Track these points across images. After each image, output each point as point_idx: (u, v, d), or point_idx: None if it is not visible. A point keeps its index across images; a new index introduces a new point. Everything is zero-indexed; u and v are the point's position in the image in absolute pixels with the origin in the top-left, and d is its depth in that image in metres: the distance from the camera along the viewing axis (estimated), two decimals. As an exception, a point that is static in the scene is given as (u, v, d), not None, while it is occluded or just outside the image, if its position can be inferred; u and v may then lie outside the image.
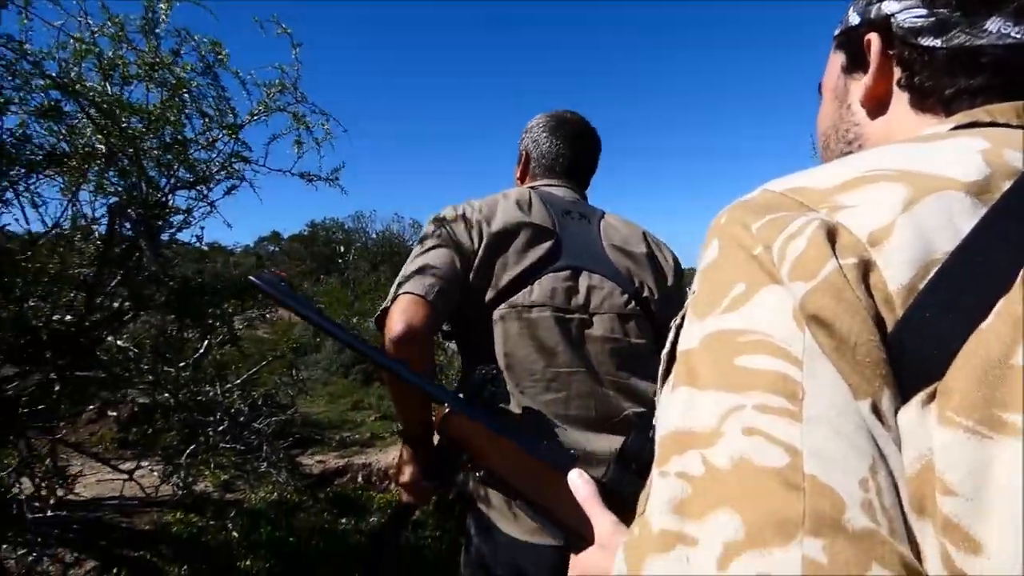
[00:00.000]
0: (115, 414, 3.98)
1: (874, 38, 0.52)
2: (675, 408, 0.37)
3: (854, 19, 0.55)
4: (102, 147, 1.75)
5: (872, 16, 0.53)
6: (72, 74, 1.59)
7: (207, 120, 2.03)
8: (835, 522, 0.29)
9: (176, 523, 2.93)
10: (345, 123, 2.10)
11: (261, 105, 2.04)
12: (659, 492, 0.35)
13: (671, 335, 0.45)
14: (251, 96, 2.04)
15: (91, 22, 1.64)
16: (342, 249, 11.94)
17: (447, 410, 0.76)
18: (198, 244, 2.35)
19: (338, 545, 2.91)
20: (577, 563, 0.61)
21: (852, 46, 0.56)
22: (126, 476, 2.65)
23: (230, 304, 2.43)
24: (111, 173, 1.87)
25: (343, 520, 3.24)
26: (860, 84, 0.55)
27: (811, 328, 0.34)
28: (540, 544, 1.13)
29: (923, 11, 0.49)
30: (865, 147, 0.55)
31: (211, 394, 2.95)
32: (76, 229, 2.05)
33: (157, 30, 1.75)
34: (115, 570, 2.43)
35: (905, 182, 0.37)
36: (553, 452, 0.72)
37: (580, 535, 0.63)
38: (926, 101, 0.50)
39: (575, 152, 1.47)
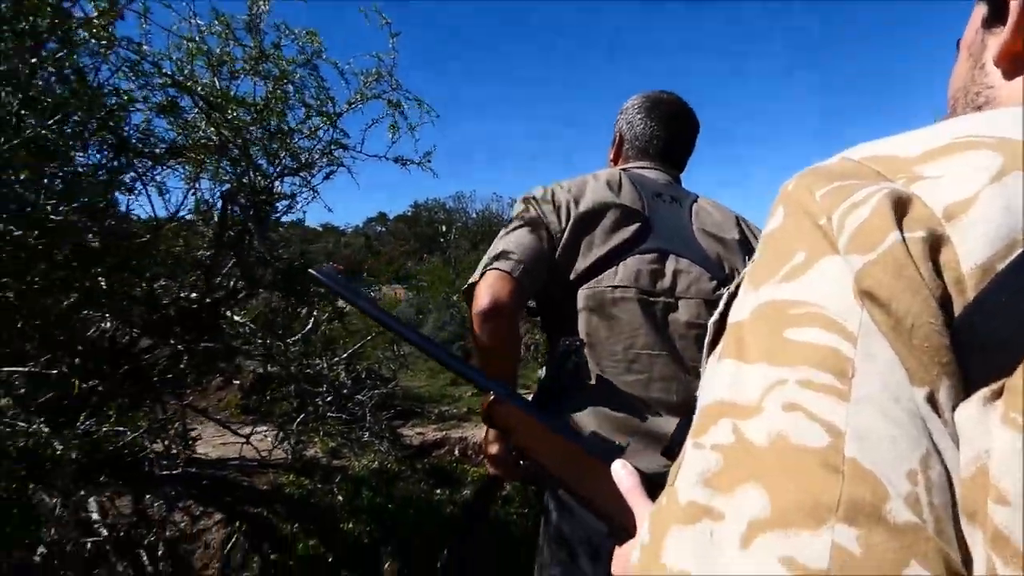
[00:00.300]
0: (239, 382, 4.37)
1: None
2: (720, 380, 0.35)
3: None
4: (215, 139, 1.89)
5: None
6: (186, 72, 1.73)
7: (308, 109, 2.14)
8: (874, 511, 0.27)
9: (289, 484, 3.17)
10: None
11: (358, 94, 2.13)
12: (691, 463, 0.34)
13: (722, 304, 0.43)
14: (349, 85, 2.13)
15: (200, 23, 1.77)
16: (444, 229, 12.32)
17: (492, 398, 0.76)
18: (302, 224, 2.50)
19: (433, 515, 3.04)
20: (620, 555, 0.59)
21: None
22: (244, 440, 2.90)
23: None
24: (224, 162, 2.03)
25: (438, 491, 3.37)
26: (998, 40, 0.47)
27: (866, 304, 0.31)
28: None
29: None
30: None
31: (319, 367, 3.16)
32: (198, 214, 2.24)
33: (261, 25, 1.85)
34: (237, 523, 2.68)
35: (1002, 150, 0.32)
36: (597, 442, 0.70)
37: (623, 526, 0.61)
38: None
39: (670, 134, 1.42)
